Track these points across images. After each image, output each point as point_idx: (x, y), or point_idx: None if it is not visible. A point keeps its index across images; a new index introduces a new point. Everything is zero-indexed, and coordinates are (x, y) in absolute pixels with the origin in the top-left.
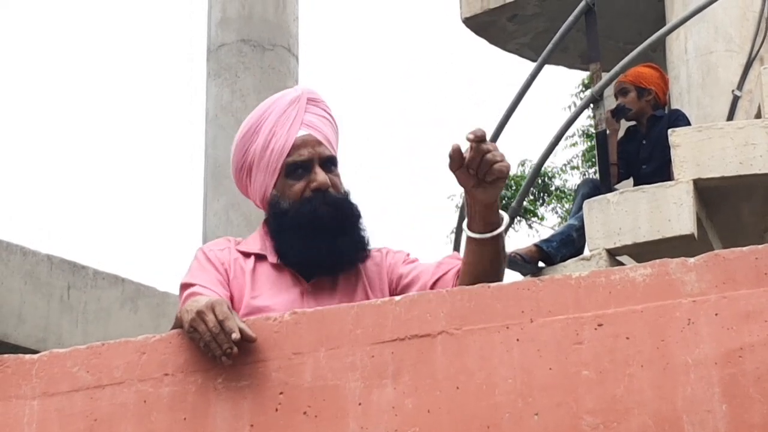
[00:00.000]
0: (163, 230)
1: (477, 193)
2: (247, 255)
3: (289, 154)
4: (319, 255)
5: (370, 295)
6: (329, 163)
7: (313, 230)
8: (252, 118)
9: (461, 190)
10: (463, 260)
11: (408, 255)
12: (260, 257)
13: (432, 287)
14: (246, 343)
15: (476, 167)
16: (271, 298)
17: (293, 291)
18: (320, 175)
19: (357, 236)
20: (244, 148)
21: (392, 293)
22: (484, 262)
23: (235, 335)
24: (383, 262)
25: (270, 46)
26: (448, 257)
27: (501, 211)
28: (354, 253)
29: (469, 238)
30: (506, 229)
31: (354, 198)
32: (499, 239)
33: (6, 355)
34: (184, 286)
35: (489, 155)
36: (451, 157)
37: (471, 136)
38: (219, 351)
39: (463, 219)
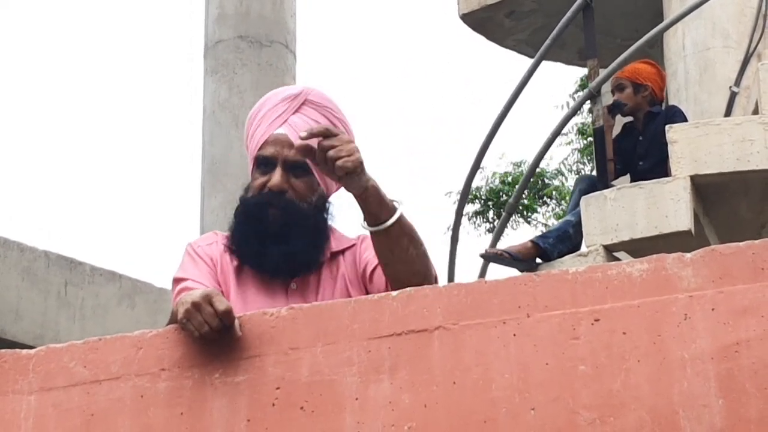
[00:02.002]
0: (160, 227)
1: (345, 186)
2: (232, 251)
3: (260, 148)
4: (249, 251)
5: (350, 292)
6: (296, 167)
7: (254, 228)
8: (254, 107)
9: (458, 187)
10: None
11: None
12: None
13: (371, 279)
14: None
15: (323, 162)
16: (255, 296)
17: (278, 291)
18: (276, 177)
19: (297, 247)
20: (246, 135)
21: (364, 282)
22: (387, 253)
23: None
24: (357, 253)
25: (267, 42)
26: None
27: (392, 201)
28: (284, 263)
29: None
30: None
31: (326, 210)
32: (391, 231)
33: (3, 350)
34: (176, 281)
35: (331, 152)
36: (300, 151)
37: (303, 134)
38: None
39: (461, 216)
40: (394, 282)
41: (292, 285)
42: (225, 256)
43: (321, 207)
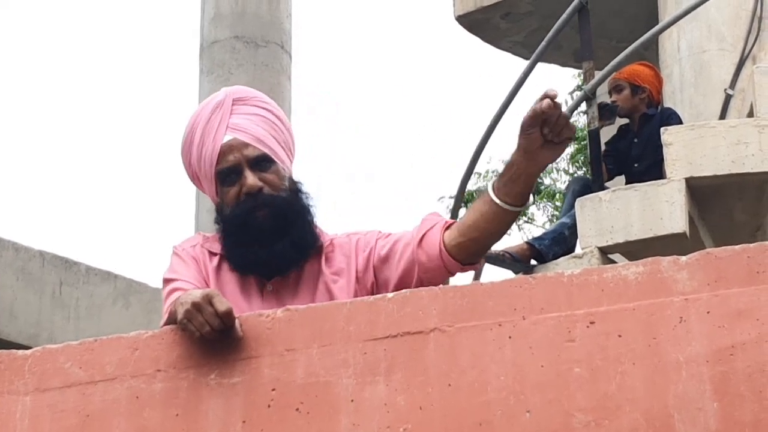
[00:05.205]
0: (155, 227)
1: (542, 153)
2: (212, 253)
3: (218, 163)
4: (258, 259)
5: (332, 291)
6: (260, 162)
7: (249, 234)
8: (186, 127)
9: (452, 191)
10: (473, 217)
11: (380, 232)
12: (223, 257)
13: (419, 244)
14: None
15: (552, 124)
16: (232, 298)
17: (254, 292)
18: (249, 179)
19: (297, 234)
20: (186, 160)
21: (365, 272)
22: (495, 228)
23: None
24: (351, 251)
25: (263, 42)
26: (429, 214)
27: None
28: (294, 253)
29: (492, 202)
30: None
31: (300, 190)
32: (516, 213)
33: None
34: (167, 281)
35: (564, 113)
36: (535, 111)
37: (552, 93)
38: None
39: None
40: (475, 254)
41: (268, 287)
42: (206, 257)
43: (296, 190)
